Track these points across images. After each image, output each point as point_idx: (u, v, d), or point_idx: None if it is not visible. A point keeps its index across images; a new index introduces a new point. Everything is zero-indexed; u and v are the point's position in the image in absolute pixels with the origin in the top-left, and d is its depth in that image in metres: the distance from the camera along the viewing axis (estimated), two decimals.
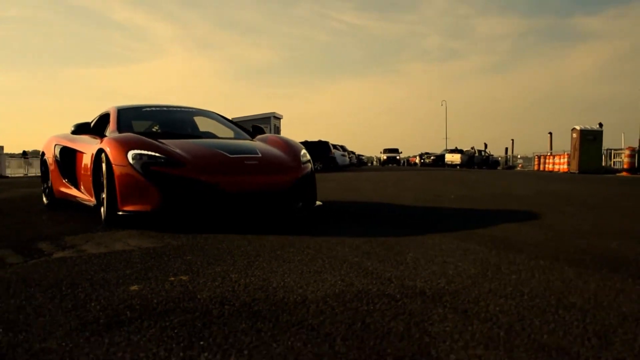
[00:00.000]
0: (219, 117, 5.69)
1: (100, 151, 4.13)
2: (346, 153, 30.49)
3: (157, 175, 3.73)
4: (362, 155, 49.52)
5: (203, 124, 5.56)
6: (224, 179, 3.81)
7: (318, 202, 4.55)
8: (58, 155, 5.42)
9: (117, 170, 3.82)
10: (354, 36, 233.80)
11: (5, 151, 21.61)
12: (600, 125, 24.16)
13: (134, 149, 3.87)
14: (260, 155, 4.18)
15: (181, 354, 1.44)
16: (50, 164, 5.63)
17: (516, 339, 1.54)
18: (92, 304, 1.93)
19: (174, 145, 4.13)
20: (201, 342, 1.53)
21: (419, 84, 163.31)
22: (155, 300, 1.96)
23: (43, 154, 5.89)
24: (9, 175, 20.88)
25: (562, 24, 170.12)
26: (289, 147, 4.52)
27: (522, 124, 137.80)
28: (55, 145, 5.54)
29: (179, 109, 5.58)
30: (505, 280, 2.26)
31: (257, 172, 3.98)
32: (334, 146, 25.97)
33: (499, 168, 34.11)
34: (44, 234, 3.78)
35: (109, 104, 6.38)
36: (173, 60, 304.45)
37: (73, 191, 5.12)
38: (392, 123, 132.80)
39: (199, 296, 2.02)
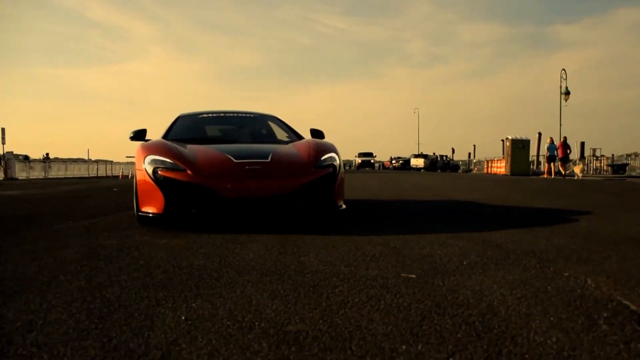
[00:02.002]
0: (276, 120, 5.74)
1: None
2: None
3: (162, 179, 3.82)
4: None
5: (257, 128, 5.63)
6: (222, 184, 3.79)
7: (343, 205, 4.40)
8: None
9: (137, 173, 4.07)
10: (338, 40, 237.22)
11: None
12: (539, 134, 27.90)
13: (151, 154, 4.00)
14: (268, 160, 4.06)
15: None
16: None
17: None
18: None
19: (192, 150, 4.20)
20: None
21: (401, 89, 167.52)
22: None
23: None
24: (18, 178, 23.66)
25: (542, 32, 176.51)
26: (311, 151, 4.35)
27: (500, 128, 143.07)
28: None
29: (234, 114, 5.77)
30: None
31: (258, 177, 3.88)
32: None
33: (459, 171, 37.84)
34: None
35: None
36: (153, 61, 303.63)
37: None
38: (373, 127, 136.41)
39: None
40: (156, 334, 1.55)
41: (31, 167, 28.17)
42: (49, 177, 27.00)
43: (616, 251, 2.95)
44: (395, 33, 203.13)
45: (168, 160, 3.90)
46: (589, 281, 2.19)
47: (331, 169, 4.19)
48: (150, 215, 3.83)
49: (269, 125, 5.63)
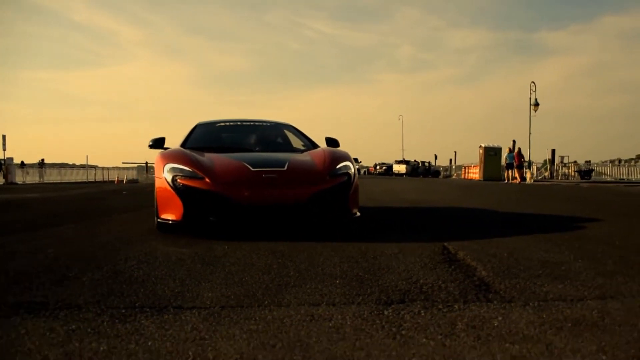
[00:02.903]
0: (292, 129, 5.84)
1: None
2: None
3: (181, 187, 3.92)
4: None
5: (273, 136, 5.75)
6: (239, 192, 3.88)
7: (358, 213, 4.47)
8: None
9: (156, 181, 4.19)
10: (326, 45, 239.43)
11: None
12: (514, 142, 29.76)
13: (170, 162, 4.10)
14: (285, 168, 4.14)
15: None
16: None
17: None
18: None
19: (209, 159, 4.29)
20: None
21: (389, 94, 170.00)
22: None
23: None
24: (18, 183, 24.82)
25: (529, 38, 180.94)
26: (326, 160, 4.44)
27: (486, 134, 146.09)
28: None
29: (251, 123, 5.89)
30: None
31: (274, 185, 3.97)
32: None
33: (440, 177, 39.70)
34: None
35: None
36: (141, 65, 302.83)
37: None
38: (361, 132, 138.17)
39: None
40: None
41: (27, 173, 29.35)
42: (44, 182, 28.13)
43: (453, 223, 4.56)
44: (384, 38, 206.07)
45: (187, 168, 4.02)
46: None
47: (346, 178, 4.30)
48: (170, 222, 3.97)
49: (284, 134, 5.75)
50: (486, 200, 9.13)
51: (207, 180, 3.91)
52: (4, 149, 24.45)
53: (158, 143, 5.02)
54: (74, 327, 1.76)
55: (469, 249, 3.29)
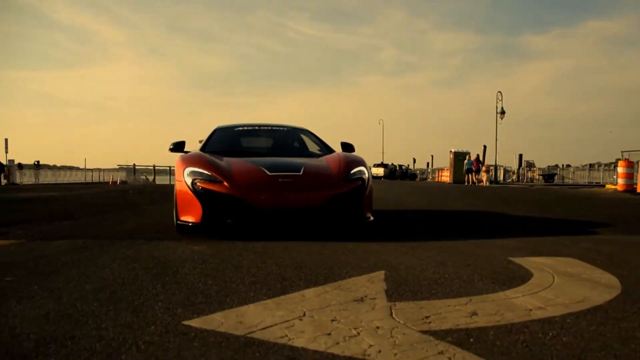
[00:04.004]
0: (309, 133, 5.94)
1: None
2: None
3: (200, 190, 4.03)
4: None
5: (290, 141, 5.87)
6: (256, 196, 3.98)
7: (371, 217, 4.56)
8: None
9: (176, 184, 4.28)
10: (309, 47, 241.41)
11: None
12: (485, 147, 32.15)
13: (190, 166, 4.22)
14: (300, 173, 4.24)
15: None
16: None
17: None
18: None
19: (228, 163, 4.41)
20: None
21: (372, 96, 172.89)
22: None
23: None
24: (18, 183, 26.40)
25: (512, 42, 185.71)
26: (341, 165, 4.55)
27: (466, 137, 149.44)
28: None
29: (268, 127, 6.01)
30: None
31: (290, 189, 4.07)
32: None
33: (417, 179, 42.00)
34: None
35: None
36: (123, 65, 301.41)
37: None
38: (344, 135, 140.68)
39: None
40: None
41: (24, 174, 30.93)
42: (40, 183, 29.73)
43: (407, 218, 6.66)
44: (367, 40, 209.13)
45: (206, 172, 4.14)
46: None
47: (360, 182, 4.41)
48: (190, 224, 4.10)
49: (301, 138, 5.91)
50: (420, 199, 11.17)
51: (226, 184, 4.07)
52: (6, 152, 26.05)
53: (178, 146, 5.16)
54: (141, 242, 3.75)
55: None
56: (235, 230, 4.14)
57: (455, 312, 2.00)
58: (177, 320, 1.91)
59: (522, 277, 2.66)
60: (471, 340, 1.69)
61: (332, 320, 1.89)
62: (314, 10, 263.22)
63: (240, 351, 1.60)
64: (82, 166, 41.98)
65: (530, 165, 33.44)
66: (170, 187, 17.50)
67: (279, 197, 4.05)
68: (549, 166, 34.76)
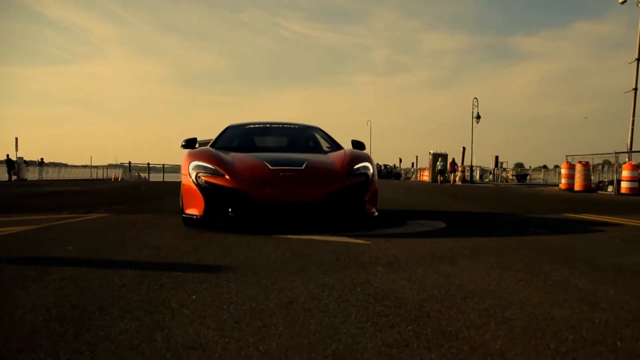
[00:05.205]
0: (320, 131, 6.03)
1: None
2: None
3: (203, 184, 4.12)
4: None
5: (300, 139, 5.93)
6: (257, 189, 4.03)
7: (375, 213, 4.56)
8: None
9: (182, 178, 4.40)
10: (302, 46, 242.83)
11: None
12: (464, 148, 34.48)
13: (195, 160, 4.32)
14: (302, 168, 4.28)
15: None
16: None
17: None
18: None
19: (232, 157, 4.50)
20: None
21: (364, 96, 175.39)
22: None
23: None
24: (27, 179, 28.29)
25: (504, 43, 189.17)
26: (345, 160, 4.59)
27: (453, 137, 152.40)
28: None
29: (279, 126, 6.10)
30: None
31: (291, 183, 4.11)
32: None
33: (401, 179, 44.29)
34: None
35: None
36: (113, 62, 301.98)
37: None
38: (333, 133, 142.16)
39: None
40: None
41: (28, 170, 32.81)
42: (44, 179, 31.65)
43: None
44: (360, 40, 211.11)
45: (210, 166, 4.22)
46: None
47: (363, 178, 4.44)
48: (194, 217, 4.18)
49: (312, 136, 6.00)
50: (392, 195, 13.39)
51: (227, 177, 4.13)
52: (17, 150, 27.97)
53: (190, 143, 5.33)
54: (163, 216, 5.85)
55: None
56: (238, 223, 4.32)
57: None
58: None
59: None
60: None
61: None
62: (307, 10, 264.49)
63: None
64: (77, 163, 43.90)
65: (500, 164, 36.15)
66: (170, 184, 19.40)
67: (280, 191, 4.13)
68: (519, 167, 37.39)
